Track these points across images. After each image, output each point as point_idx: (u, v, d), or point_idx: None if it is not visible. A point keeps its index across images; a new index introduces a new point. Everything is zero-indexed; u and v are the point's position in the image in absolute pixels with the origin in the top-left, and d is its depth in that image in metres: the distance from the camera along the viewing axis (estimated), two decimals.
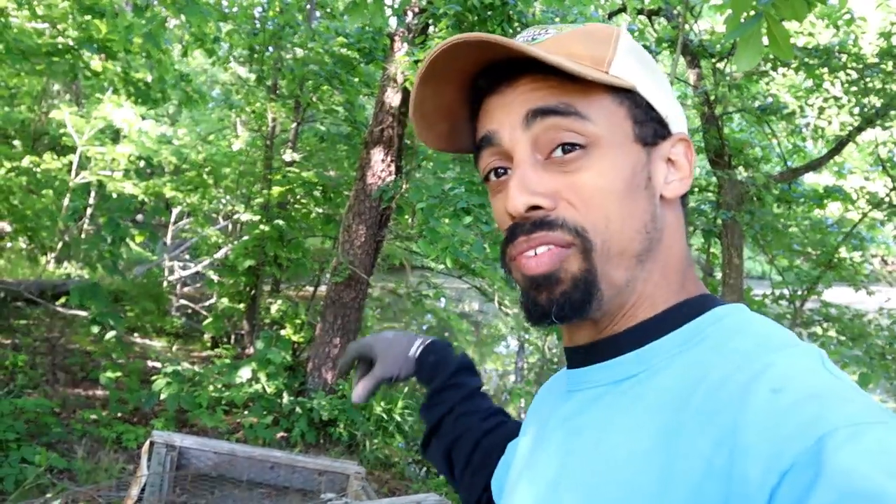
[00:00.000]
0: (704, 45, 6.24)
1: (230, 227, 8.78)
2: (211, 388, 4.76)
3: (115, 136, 7.99)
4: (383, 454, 4.91)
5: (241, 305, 6.83)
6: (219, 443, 2.67)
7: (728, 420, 0.43)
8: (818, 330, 6.58)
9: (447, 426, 0.86)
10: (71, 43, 5.11)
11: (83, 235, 8.08)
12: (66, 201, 7.18)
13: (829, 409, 0.40)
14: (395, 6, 5.81)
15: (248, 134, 8.25)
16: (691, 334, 0.53)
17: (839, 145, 6.30)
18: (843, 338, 6.31)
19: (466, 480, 0.84)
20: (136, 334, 7.14)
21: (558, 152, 0.53)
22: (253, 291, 6.79)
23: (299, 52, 6.03)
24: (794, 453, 0.38)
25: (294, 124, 7.20)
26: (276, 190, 6.47)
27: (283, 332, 5.91)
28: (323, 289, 6.72)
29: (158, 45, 4.89)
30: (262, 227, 6.19)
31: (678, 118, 0.59)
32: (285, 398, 4.92)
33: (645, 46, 5.21)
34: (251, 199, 6.96)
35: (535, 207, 0.53)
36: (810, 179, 7.99)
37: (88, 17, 4.91)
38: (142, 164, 7.76)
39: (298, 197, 7.04)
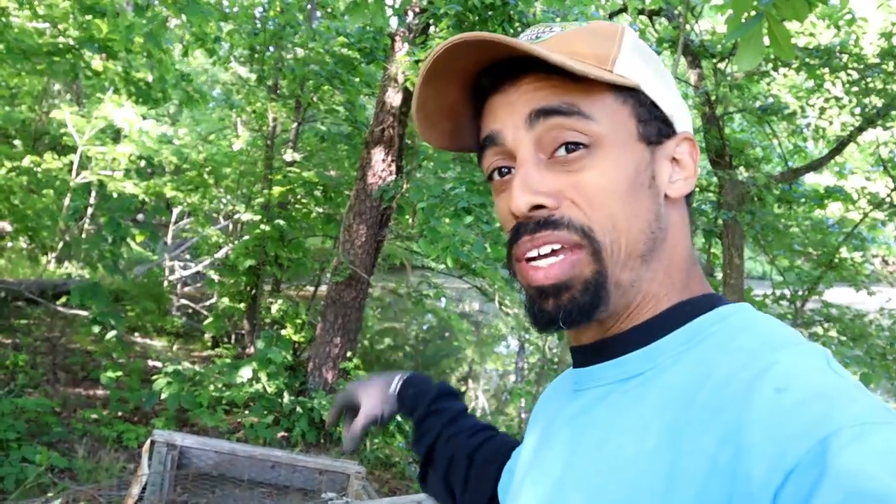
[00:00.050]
0: (705, 46, 6.24)
1: (231, 226, 8.78)
2: (211, 387, 4.76)
3: (115, 135, 8.00)
4: (384, 454, 4.91)
5: (242, 305, 6.83)
6: (219, 442, 2.67)
7: (733, 418, 0.43)
8: (819, 330, 6.58)
9: (438, 452, 0.86)
10: (72, 43, 5.11)
11: (84, 235, 8.09)
12: (66, 201, 7.18)
13: (834, 408, 0.40)
14: (396, 6, 5.81)
15: (249, 134, 8.26)
16: (695, 332, 0.52)
17: (840, 145, 6.30)
18: (843, 338, 6.31)
19: (468, 499, 0.84)
20: (136, 334, 7.15)
21: (561, 151, 0.53)
22: (253, 291, 6.79)
23: (300, 51, 6.03)
24: (799, 453, 0.38)
25: (295, 124, 7.21)
26: (276, 190, 6.47)
27: (283, 332, 5.91)
28: (323, 288, 6.72)
29: (159, 44, 4.89)
30: (262, 226, 6.19)
31: (683, 117, 0.59)
32: (286, 398, 4.92)
33: None
34: (252, 199, 6.96)
35: (539, 207, 0.53)
36: (811, 180, 7.99)
37: (89, 17, 4.91)
38: (142, 163, 7.77)
39: (299, 197, 7.04)
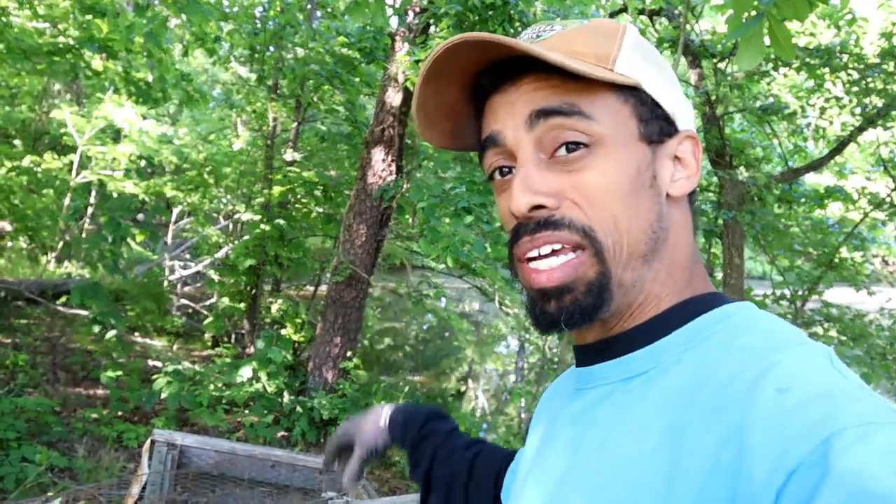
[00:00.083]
0: (706, 45, 6.24)
1: (231, 226, 8.78)
2: (211, 387, 4.76)
3: (115, 135, 8.00)
4: None
5: (242, 305, 6.83)
6: (220, 441, 2.66)
7: (735, 417, 0.43)
8: (819, 330, 6.58)
9: (436, 473, 0.86)
10: (72, 42, 5.11)
11: (84, 235, 8.09)
12: (66, 201, 7.18)
13: (837, 408, 0.40)
14: (397, 6, 5.81)
15: (249, 133, 8.25)
16: (698, 331, 0.52)
17: (840, 145, 6.30)
18: (843, 338, 6.30)
19: None
20: (136, 333, 7.14)
21: (562, 151, 0.53)
22: (253, 291, 6.79)
23: (300, 51, 6.03)
24: (801, 453, 0.38)
25: (295, 124, 7.21)
26: (276, 189, 6.47)
27: (283, 332, 5.91)
28: (323, 288, 6.72)
29: (159, 44, 4.89)
30: (262, 226, 6.19)
31: (686, 115, 0.58)
32: (286, 397, 4.92)
33: None
34: (252, 199, 6.96)
35: (539, 207, 0.53)
36: (811, 179, 7.99)
37: (89, 17, 4.91)
38: (142, 163, 7.77)
39: (299, 196, 7.04)
